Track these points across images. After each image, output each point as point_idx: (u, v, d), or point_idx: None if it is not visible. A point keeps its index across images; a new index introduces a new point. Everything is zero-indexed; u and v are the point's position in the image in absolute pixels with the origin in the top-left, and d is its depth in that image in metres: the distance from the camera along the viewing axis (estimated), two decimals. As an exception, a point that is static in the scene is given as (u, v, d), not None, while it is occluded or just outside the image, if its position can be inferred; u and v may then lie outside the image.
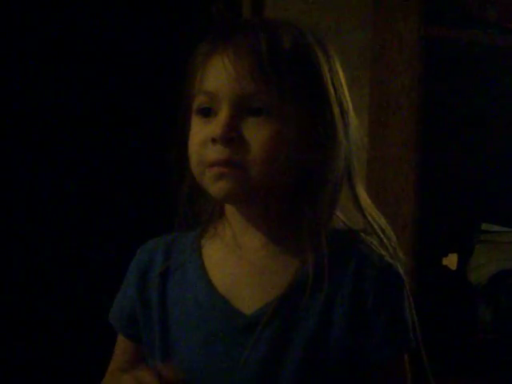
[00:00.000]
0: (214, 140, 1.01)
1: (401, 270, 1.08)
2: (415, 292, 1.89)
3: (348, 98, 1.08)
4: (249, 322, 1.03)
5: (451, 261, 2.20)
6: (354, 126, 1.08)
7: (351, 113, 1.08)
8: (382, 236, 1.09)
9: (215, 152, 1.01)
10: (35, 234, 2.06)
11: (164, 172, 1.08)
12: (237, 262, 1.08)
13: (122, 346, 1.17)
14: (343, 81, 1.08)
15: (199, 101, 1.04)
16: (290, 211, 1.06)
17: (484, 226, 2.18)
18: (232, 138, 1.00)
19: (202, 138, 1.03)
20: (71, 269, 2.08)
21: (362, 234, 1.09)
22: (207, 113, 1.04)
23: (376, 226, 1.09)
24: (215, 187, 1.02)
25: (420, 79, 1.96)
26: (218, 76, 1.02)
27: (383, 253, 1.07)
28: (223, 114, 1.01)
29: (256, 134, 1.00)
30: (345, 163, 1.06)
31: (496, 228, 2.18)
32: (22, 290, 2.06)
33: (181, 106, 1.08)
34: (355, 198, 1.09)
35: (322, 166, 1.04)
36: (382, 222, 1.10)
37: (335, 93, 1.05)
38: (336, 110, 1.04)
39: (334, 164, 1.04)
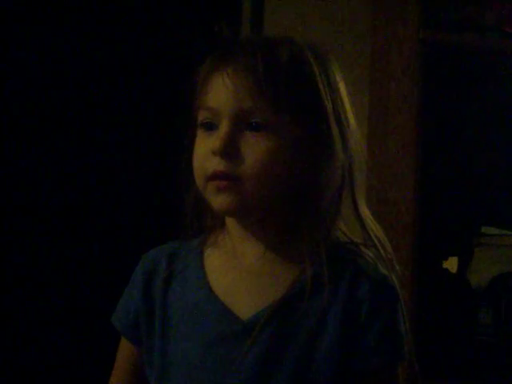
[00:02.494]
0: (213, 153, 1.05)
1: (396, 283, 1.09)
2: (416, 295, 1.91)
3: (349, 113, 1.10)
4: (244, 326, 1.05)
5: (451, 264, 2.21)
6: (355, 140, 1.10)
7: (352, 126, 1.10)
8: (379, 248, 1.11)
9: (214, 164, 1.05)
10: (39, 237, 2.07)
11: (171, 181, 1.11)
12: (236, 269, 1.10)
13: (125, 351, 1.19)
14: (344, 94, 1.10)
15: (202, 115, 1.08)
16: (289, 222, 1.08)
17: (484, 229, 2.19)
18: (229, 151, 1.03)
19: (204, 151, 1.07)
20: (76, 275, 2.09)
21: (361, 246, 1.10)
22: (210, 127, 1.07)
23: (374, 238, 1.11)
24: (216, 201, 1.06)
25: (419, 83, 1.96)
26: (219, 93, 1.06)
27: (379, 265, 1.09)
28: (223, 129, 1.05)
29: (252, 148, 1.04)
30: (344, 176, 1.08)
31: (496, 231, 2.18)
32: (24, 292, 2.07)
33: (187, 119, 1.11)
34: (356, 210, 1.11)
35: (319, 179, 1.06)
36: (380, 234, 1.12)
37: (333, 108, 1.07)
38: (333, 125, 1.06)
39: (330, 178, 1.07)
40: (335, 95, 1.08)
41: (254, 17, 2.01)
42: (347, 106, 1.10)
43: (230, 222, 1.11)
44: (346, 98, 1.10)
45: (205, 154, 1.06)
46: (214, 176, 1.04)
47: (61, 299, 2.08)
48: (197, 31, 1.98)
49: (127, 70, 2.11)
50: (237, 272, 1.09)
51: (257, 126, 1.04)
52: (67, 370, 2.05)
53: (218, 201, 1.05)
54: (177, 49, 2.06)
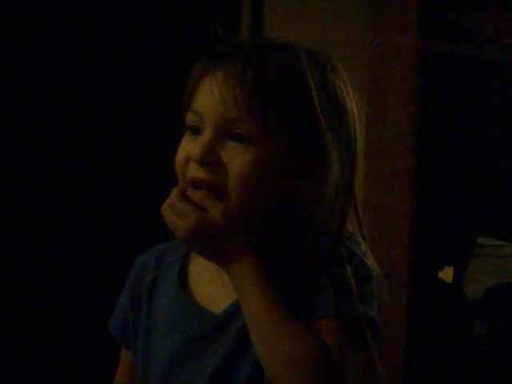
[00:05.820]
0: (192, 160, 1.02)
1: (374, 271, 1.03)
2: (411, 305, 1.91)
3: (352, 123, 1.05)
4: (219, 321, 1.04)
5: (447, 274, 2.21)
6: (353, 152, 1.05)
7: (356, 136, 1.05)
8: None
9: (193, 169, 1.02)
10: (40, 239, 2.08)
11: (165, 180, 1.10)
12: (217, 273, 1.07)
13: (124, 356, 1.20)
14: (346, 102, 1.04)
15: (189, 118, 1.06)
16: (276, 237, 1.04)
17: (480, 240, 2.20)
18: (208, 161, 1.01)
19: (186, 155, 1.04)
20: (77, 278, 2.10)
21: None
22: (196, 131, 1.05)
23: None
24: None
25: (417, 93, 1.97)
26: (206, 98, 1.02)
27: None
28: (205, 136, 1.02)
29: (235, 159, 1.00)
30: (338, 192, 1.02)
31: (491, 242, 2.19)
32: (24, 297, 2.07)
33: (176, 119, 1.09)
34: (360, 229, 1.07)
35: (312, 195, 1.01)
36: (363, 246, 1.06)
37: (330, 120, 1.01)
38: (327, 138, 1.01)
39: (323, 193, 1.01)
40: (331, 105, 1.03)
41: (254, 18, 2.01)
42: (350, 115, 1.05)
43: None
44: (349, 106, 1.04)
45: (185, 158, 1.03)
46: (193, 182, 1.02)
47: (64, 301, 2.09)
48: (192, 31, 1.99)
49: (121, 67, 2.11)
50: (216, 275, 1.07)
51: (241, 137, 1.00)
52: (73, 366, 2.06)
53: None
54: (172, 49, 2.06)
